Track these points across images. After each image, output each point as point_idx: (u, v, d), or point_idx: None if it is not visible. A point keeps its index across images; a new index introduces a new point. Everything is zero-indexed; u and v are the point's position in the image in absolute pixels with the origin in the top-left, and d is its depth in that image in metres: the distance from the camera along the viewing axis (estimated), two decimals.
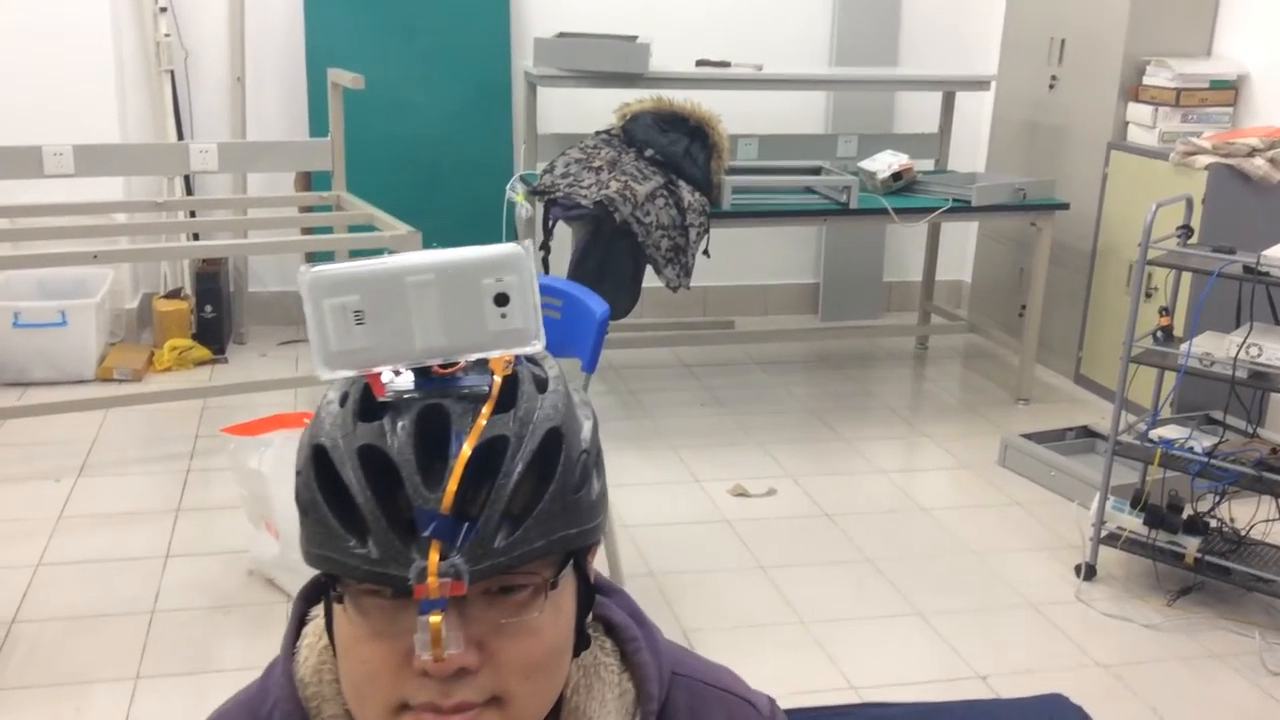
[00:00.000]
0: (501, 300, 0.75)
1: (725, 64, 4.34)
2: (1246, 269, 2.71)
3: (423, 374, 0.76)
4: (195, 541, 3.11)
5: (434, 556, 0.71)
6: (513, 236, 4.60)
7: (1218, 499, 3.04)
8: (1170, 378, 3.10)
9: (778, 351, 4.91)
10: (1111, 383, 4.39)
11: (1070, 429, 3.99)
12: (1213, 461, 2.85)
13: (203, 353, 4.42)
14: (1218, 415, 3.76)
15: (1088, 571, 3.10)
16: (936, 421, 4.25)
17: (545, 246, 3.79)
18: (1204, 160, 3.81)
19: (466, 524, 0.72)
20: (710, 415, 4.18)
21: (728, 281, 5.08)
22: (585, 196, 3.58)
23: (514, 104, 4.74)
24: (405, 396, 0.75)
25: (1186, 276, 3.61)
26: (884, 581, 3.07)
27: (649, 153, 3.78)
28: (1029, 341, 4.40)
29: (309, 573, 2.89)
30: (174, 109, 4.45)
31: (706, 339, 4.86)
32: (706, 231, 3.78)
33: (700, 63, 4.35)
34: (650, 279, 3.77)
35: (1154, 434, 3.05)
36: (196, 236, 4.50)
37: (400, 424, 0.74)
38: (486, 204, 4.63)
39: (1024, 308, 4.72)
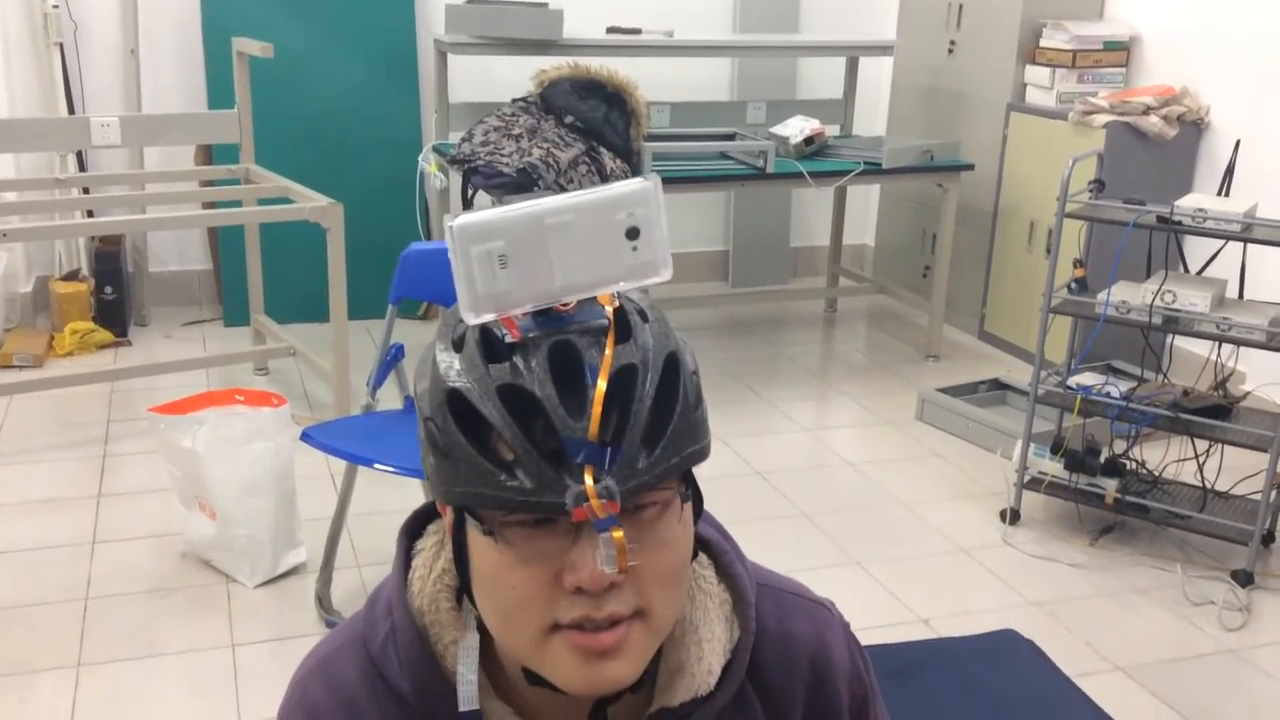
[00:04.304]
0: (633, 234, 0.79)
1: (636, 30, 4.34)
2: (1160, 219, 2.84)
3: (541, 313, 0.79)
4: (121, 526, 3.01)
5: (589, 480, 0.75)
6: (425, 207, 4.54)
7: (1131, 441, 3.19)
8: (1082, 326, 3.22)
9: (692, 318, 4.95)
10: (1016, 337, 4.55)
11: (982, 382, 4.12)
12: (1130, 405, 2.98)
13: (105, 336, 4.27)
14: (1118, 365, 3.95)
15: (1012, 516, 3.22)
16: (852, 380, 4.35)
17: None
18: (1102, 119, 3.96)
19: (610, 449, 0.76)
20: None
21: None
22: (507, 164, 3.56)
23: (421, 73, 4.66)
24: (530, 336, 0.78)
25: (1083, 230, 3.76)
26: (820, 534, 3.15)
27: (568, 119, 3.76)
28: (937, 300, 4.53)
29: (248, 553, 2.81)
30: (64, 83, 4.26)
31: None
32: None
33: (611, 29, 4.34)
34: None
35: (1071, 381, 3.18)
36: (91, 214, 4.33)
37: (533, 362, 0.77)
38: (397, 175, 4.57)
39: (928, 268, 4.85)
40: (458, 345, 0.80)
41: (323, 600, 2.67)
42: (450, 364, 0.79)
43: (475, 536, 0.81)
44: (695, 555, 0.90)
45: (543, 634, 0.80)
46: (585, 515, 0.75)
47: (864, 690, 1.01)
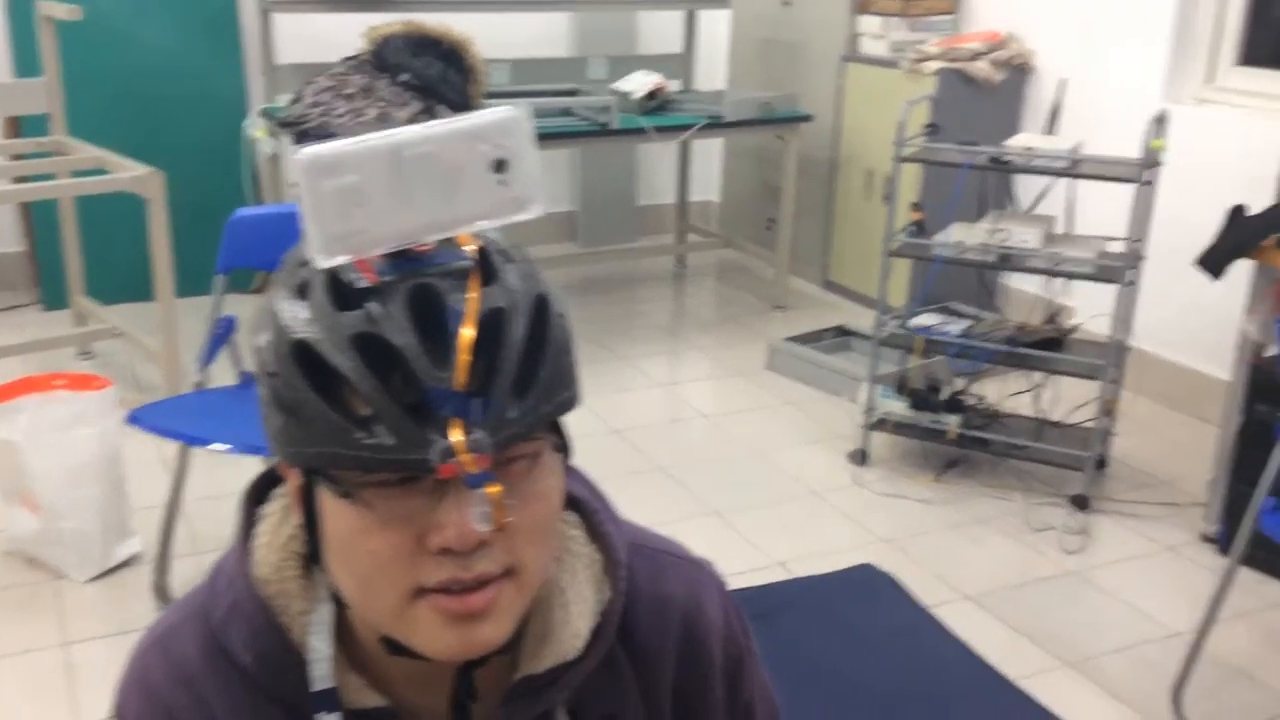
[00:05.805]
0: (499, 166, 0.74)
1: None
2: (992, 159, 2.90)
3: (397, 255, 0.73)
4: None
5: (457, 434, 0.69)
6: (254, 175, 4.36)
7: (971, 378, 3.28)
8: (922, 270, 3.29)
9: None
10: (858, 285, 4.63)
11: (827, 330, 4.18)
12: (968, 342, 3.06)
13: None
14: (955, 306, 4.06)
15: (861, 457, 3.28)
16: (702, 334, 4.36)
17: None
18: (933, 66, 4.04)
19: (479, 399, 0.71)
20: None
21: None
22: (341, 125, 3.43)
23: (243, 33, 4.46)
24: (386, 280, 0.72)
25: (919, 175, 3.84)
26: (678, 486, 3.15)
27: (403, 77, 3.64)
28: (782, 252, 4.57)
29: (77, 546, 2.65)
30: None
31: None
32: None
33: None
34: None
35: (912, 323, 3.24)
36: None
37: (390, 307, 0.71)
38: (221, 141, 4.36)
39: (771, 221, 4.90)
40: (301, 292, 0.73)
41: (161, 590, 2.54)
42: (295, 313, 0.72)
43: (328, 500, 0.75)
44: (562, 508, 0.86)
45: (406, 600, 0.75)
46: (454, 472, 0.70)
47: (739, 651, 0.98)
